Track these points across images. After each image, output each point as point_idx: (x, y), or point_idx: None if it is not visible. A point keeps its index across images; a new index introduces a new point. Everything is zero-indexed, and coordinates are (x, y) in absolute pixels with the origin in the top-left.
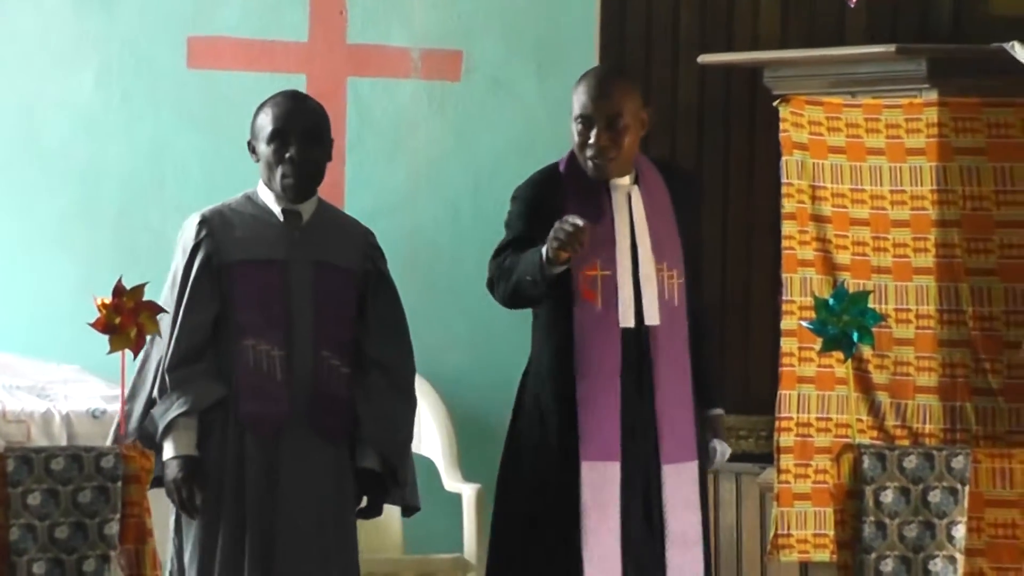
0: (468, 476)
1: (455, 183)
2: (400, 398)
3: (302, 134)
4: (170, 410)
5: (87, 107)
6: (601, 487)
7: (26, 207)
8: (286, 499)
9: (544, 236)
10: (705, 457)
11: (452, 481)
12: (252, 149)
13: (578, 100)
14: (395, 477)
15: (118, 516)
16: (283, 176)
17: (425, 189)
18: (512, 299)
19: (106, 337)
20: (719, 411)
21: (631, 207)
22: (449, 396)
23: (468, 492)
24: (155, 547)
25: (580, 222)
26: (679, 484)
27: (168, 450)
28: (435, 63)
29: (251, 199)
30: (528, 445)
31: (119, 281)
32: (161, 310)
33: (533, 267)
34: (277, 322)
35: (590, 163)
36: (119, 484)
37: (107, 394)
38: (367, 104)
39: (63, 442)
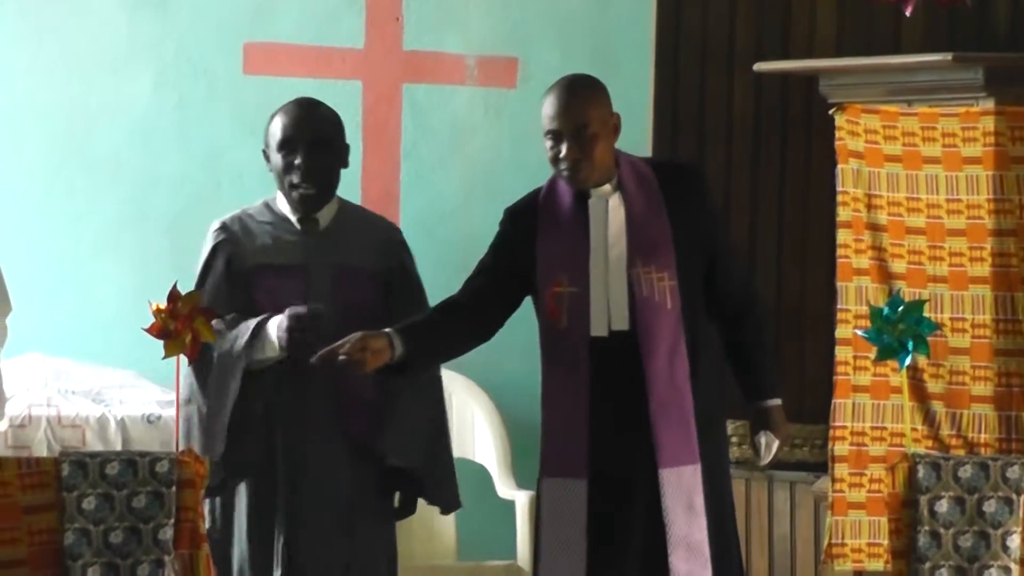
0: (521, 483)
1: (510, 190)
2: (419, 397)
3: (310, 142)
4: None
5: (143, 113)
6: (562, 505)
7: (81, 212)
8: (310, 502)
9: (513, 268)
10: (717, 459)
11: (505, 488)
12: (267, 157)
13: (544, 115)
14: (420, 475)
15: (172, 521)
16: (291, 186)
17: (480, 196)
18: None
19: (161, 342)
20: (773, 401)
21: (608, 216)
22: (504, 403)
23: (521, 499)
24: (208, 552)
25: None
26: (679, 488)
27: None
28: (491, 70)
29: (269, 206)
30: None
31: (174, 286)
32: (216, 315)
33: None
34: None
35: (565, 174)
36: (173, 489)
37: (162, 399)
38: (422, 111)
39: (118, 447)
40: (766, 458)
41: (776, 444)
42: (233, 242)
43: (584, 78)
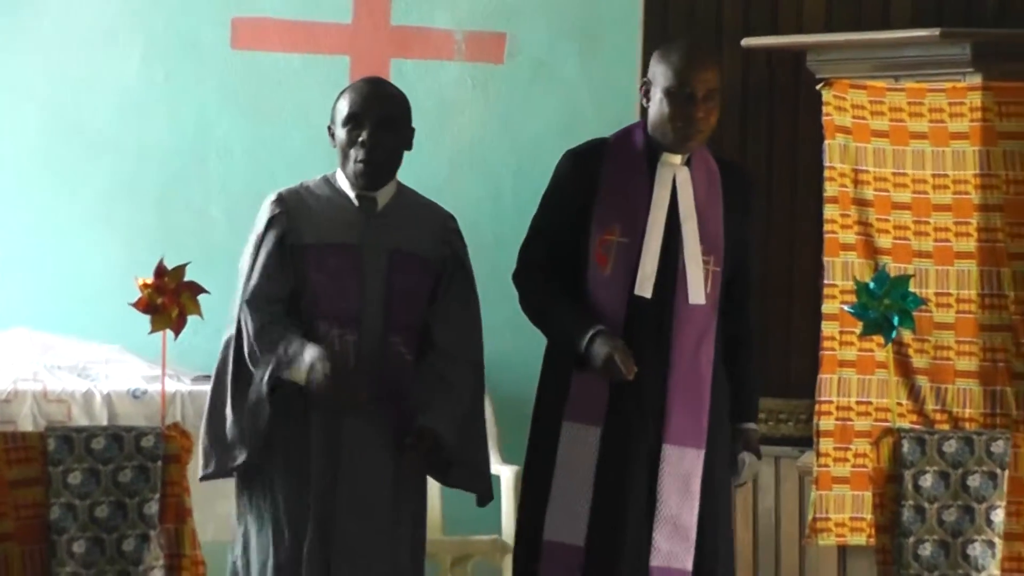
0: (507, 458)
1: (498, 165)
2: (454, 379)
3: (377, 119)
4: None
5: (131, 87)
6: (578, 449)
7: (69, 186)
8: (346, 482)
9: (573, 216)
10: (721, 449)
11: (493, 463)
12: (331, 134)
13: (673, 69)
14: (448, 448)
15: (158, 496)
16: (355, 161)
17: (468, 171)
18: (535, 324)
19: (148, 317)
20: (752, 426)
21: (675, 185)
22: (489, 378)
23: (507, 474)
24: (194, 527)
25: (628, 371)
26: (679, 468)
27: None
28: (479, 45)
29: (329, 182)
30: (546, 415)
31: (161, 261)
32: (203, 290)
33: (565, 338)
34: (349, 307)
35: (678, 135)
36: (159, 464)
37: (148, 374)
38: (410, 86)
39: (104, 421)
40: (745, 477)
41: (757, 465)
42: (289, 216)
43: (708, 46)
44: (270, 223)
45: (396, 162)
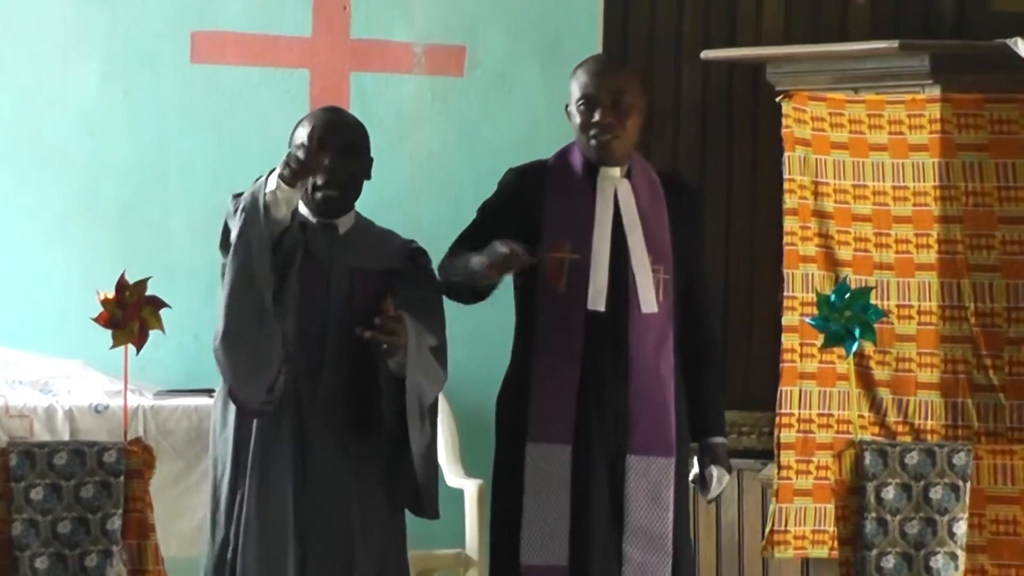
0: (470, 472)
1: (458, 179)
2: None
3: (338, 147)
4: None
5: (90, 102)
6: (548, 469)
7: (29, 202)
8: (314, 492)
9: (513, 228)
10: (684, 456)
11: (454, 477)
12: None
13: (579, 83)
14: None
15: (120, 511)
16: (315, 188)
17: (428, 185)
18: (449, 294)
19: (109, 332)
20: (720, 439)
21: (617, 198)
22: (450, 392)
23: (470, 488)
24: (157, 542)
25: (510, 249)
26: (646, 478)
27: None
28: (438, 58)
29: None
30: (506, 435)
31: (122, 276)
32: (164, 305)
33: (466, 272)
34: (316, 320)
35: (594, 142)
36: (121, 479)
37: (110, 389)
38: (370, 99)
39: (66, 437)
40: (716, 491)
41: (726, 478)
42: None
43: (619, 60)
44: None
45: (357, 191)
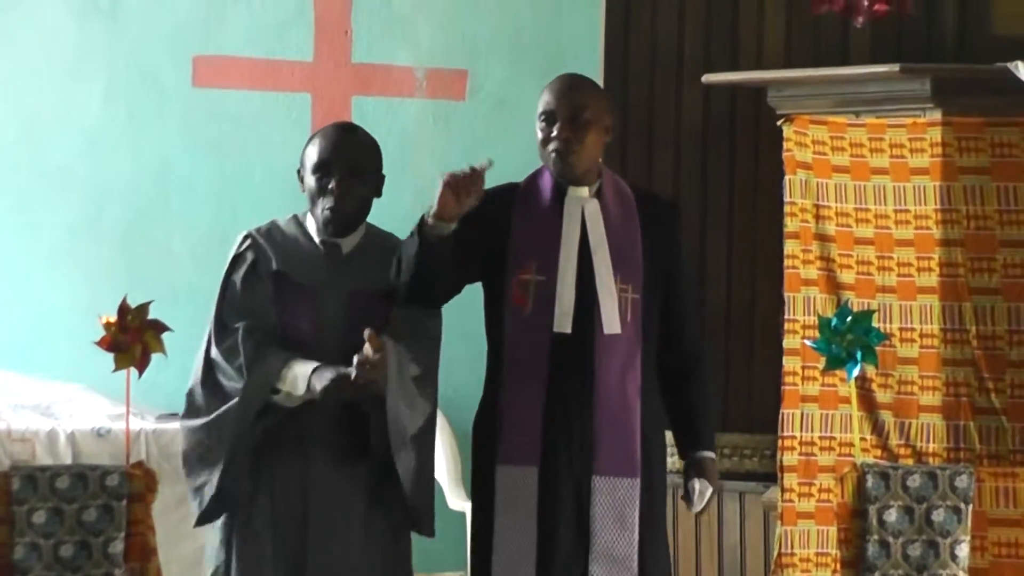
0: (470, 494)
1: None
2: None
3: (346, 168)
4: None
5: (93, 125)
6: (516, 492)
7: (31, 224)
8: (316, 521)
9: (478, 245)
10: (656, 474)
11: (456, 499)
12: (301, 179)
13: (543, 99)
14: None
15: (122, 534)
16: (323, 209)
17: None
18: (410, 296)
19: (111, 356)
20: (708, 454)
21: (584, 218)
22: (451, 414)
23: (470, 510)
24: (159, 565)
25: (473, 167)
26: (611, 499)
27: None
28: (440, 82)
29: (298, 222)
30: (479, 458)
31: (124, 300)
32: (166, 328)
33: (413, 242)
34: (308, 343)
35: (552, 156)
36: (124, 503)
37: (112, 412)
38: (372, 123)
39: (68, 460)
40: (699, 505)
41: (709, 492)
42: (258, 248)
43: (583, 77)
44: (239, 256)
45: (365, 211)
